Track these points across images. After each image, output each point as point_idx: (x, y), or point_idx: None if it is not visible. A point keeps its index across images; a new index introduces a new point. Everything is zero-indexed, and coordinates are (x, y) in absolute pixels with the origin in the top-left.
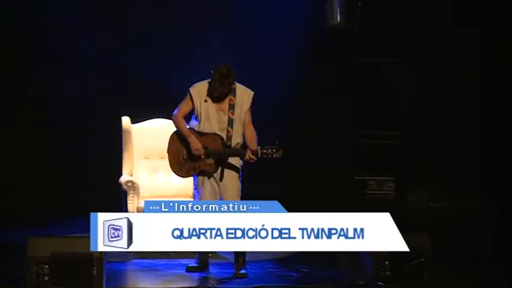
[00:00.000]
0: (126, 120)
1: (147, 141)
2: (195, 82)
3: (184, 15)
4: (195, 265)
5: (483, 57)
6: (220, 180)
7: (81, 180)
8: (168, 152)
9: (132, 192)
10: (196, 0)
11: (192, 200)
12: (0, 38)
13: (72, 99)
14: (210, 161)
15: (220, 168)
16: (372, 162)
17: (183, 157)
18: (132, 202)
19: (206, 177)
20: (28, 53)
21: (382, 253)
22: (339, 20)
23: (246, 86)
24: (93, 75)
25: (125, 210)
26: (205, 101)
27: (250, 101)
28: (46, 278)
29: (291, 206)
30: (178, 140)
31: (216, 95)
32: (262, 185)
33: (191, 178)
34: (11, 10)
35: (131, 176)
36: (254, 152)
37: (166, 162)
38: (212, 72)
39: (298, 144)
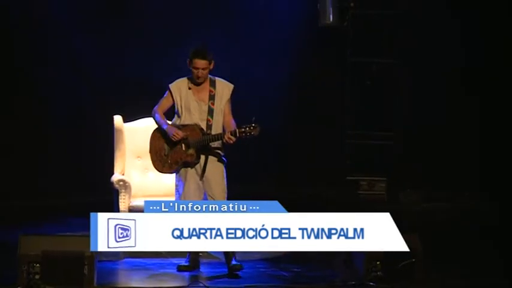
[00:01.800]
0: (118, 119)
1: (139, 140)
2: None
3: (184, 15)
4: (186, 264)
5: (483, 57)
6: (203, 172)
7: (80, 180)
8: (150, 151)
9: (123, 191)
10: (196, 0)
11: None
12: (0, 37)
13: (73, 99)
14: (191, 151)
15: (204, 159)
16: (365, 163)
17: (165, 153)
18: (123, 201)
19: (189, 174)
20: (27, 53)
21: (373, 253)
22: (331, 20)
23: (242, 85)
24: (94, 75)
25: (117, 209)
26: (189, 88)
27: (230, 92)
28: (37, 276)
29: (290, 206)
30: (158, 137)
31: (197, 75)
32: (261, 185)
33: None
34: (10, 10)
35: (123, 175)
36: (232, 133)
37: None
38: (189, 57)
39: (291, 144)
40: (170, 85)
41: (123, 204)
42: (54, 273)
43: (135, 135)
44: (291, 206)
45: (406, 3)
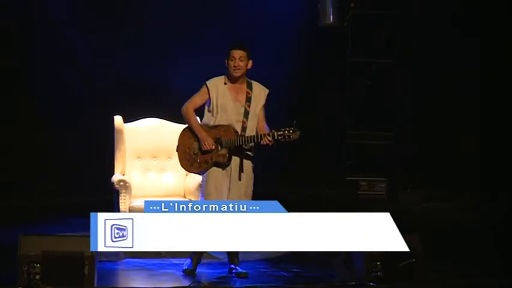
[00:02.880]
0: (118, 120)
1: (139, 140)
2: (193, 82)
3: (184, 15)
4: (191, 268)
5: (483, 57)
6: (240, 173)
7: (80, 180)
8: (177, 150)
9: (124, 191)
10: (196, 0)
11: (189, 200)
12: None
13: (73, 99)
14: (224, 151)
15: (239, 161)
16: (365, 163)
17: (194, 152)
18: (124, 201)
19: (220, 175)
20: (27, 53)
21: (373, 253)
22: (331, 20)
23: None
24: (94, 75)
25: (117, 209)
26: (225, 83)
27: (265, 97)
28: (37, 276)
29: (290, 206)
30: (188, 135)
31: (234, 65)
32: (261, 185)
33: (184, 178)
34: (10, 10)
35: (123, 175)
36: (270, 135)
37: (158, 162)
38: (226, 56)
39: (291, 144)
40: (207, 82)
41: (123, 204)
42: (54, 273)
43: (135, 135)
44: (291, 206)
45: (406, 3)
